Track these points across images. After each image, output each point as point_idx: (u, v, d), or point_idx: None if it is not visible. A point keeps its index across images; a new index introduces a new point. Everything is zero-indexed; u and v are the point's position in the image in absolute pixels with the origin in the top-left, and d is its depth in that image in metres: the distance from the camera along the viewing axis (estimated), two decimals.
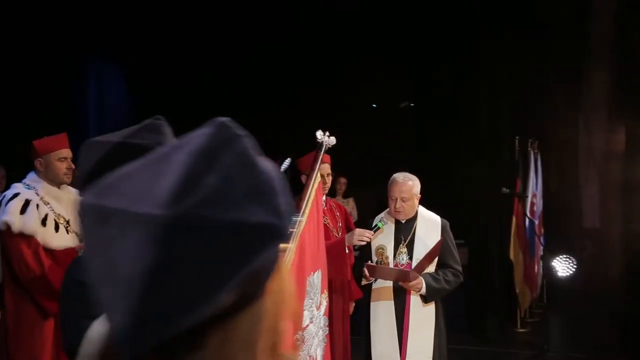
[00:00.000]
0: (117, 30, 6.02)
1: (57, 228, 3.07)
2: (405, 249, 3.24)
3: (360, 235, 3.13)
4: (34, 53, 5.46)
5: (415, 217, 3.27)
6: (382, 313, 3.22)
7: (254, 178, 0.63)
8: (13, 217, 2.92)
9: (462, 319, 5.78)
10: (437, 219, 3.30)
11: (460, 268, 3.24)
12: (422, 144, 7.35)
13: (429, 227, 3.23)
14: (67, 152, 3.18)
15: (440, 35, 5.98)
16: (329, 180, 3.48)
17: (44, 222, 3.02)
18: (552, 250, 6.11)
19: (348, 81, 7.36)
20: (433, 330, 3.20)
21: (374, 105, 8.71)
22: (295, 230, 2.24)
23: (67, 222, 3.15)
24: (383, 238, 3.27)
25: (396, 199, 3.18)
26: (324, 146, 2.77)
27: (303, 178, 3.50)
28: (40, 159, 3.12)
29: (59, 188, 3.18)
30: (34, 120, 5.46)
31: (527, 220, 5.84)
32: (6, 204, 2.96)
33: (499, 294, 5.76)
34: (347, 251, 3.18)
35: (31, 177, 3.14)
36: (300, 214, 2.33)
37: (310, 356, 2.46)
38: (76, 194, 3.33)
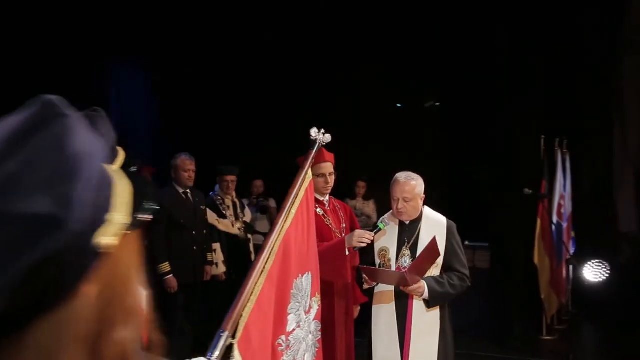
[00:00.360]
0: (139, 34, 6.06)
1: None
2: (409, 252, 3.11)
3: (360, 237, 3.00)
4: (55, 55, 5.53)
5: (419, 218, 3.14)
6: (383, 317, 3.09)
7: (59, 163, 0.54)
8: None
9: (485, 325, 5.57)
10: (442, 220, 3.15)
11: (467, 272, 3.09)
12: (444, 145, 7.14)
13: (434, 229, 3.07)
14: None
15: (460, 30, 5.79)
16: (331, 179, 3.36)
17: None
18: (584, 255, 5.83)
19: (372, 82, 7.23)
20: (437, 336, 3.04)
21: (399, 105, 8.54)
22: (276, 230, 2.14)
23: None
24: (386, 240, 3.14)
25: (398, 199, 3.05)
26: (318, 144, 2.66)
27: None
28: None
29: None
30: None
31: (553, 223, 5.58)
32: None
33: (523, 300, 5.52)
34: (347, 253, 3.06)
35: None
36: (285, 213, 2.23)
37: None
38: None
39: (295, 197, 2.37)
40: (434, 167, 7.18)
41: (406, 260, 3.08)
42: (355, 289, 3.45)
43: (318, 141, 2.67)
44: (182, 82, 6.51)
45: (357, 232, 3.07)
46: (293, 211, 2.34)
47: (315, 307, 2.58)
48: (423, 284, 2.93)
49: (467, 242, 5.99)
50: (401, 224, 3.15)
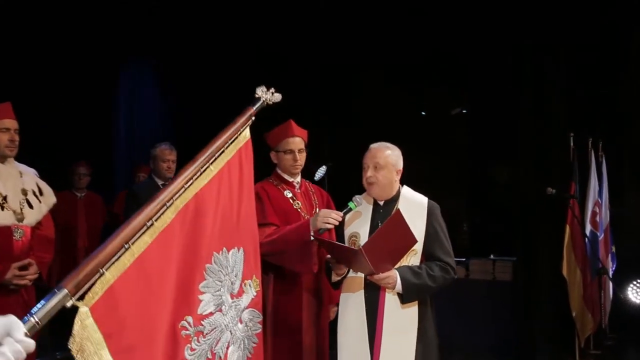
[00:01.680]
0: (151, 34, 5.94)
1: None
2: None
3: (325, 217, 2.57)
4: (66, 56, 5.45)
5: (396, 199, 2.69)
6: (351, 310, 2.63)
7: None
8: None
9: (506, 347, 4.95)
10: (423, 200, 2.69)
11: (451, 261, 2.61)
12: (468, 153, 6.62)
13: (413, 210, 2.59)
14: (10, 123, 2.92)
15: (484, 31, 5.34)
16: (301, 157, 2.96)
17: None
18: (627, 274, 5.15)
19: (396, 89, 6.84)
20: (415, 337, 2.54)
21: (423, 113, 8.09)
22: (177, 183, 1.75)
23: (4, 198, 2.86)
24: (357, 223, 2.69)
25: (368, 166, 2.62)
26: (261, 102, 2.28)
27: (272, 155, 3.02)
28: None
29: (1, 162, 2.92)
30: (65, 124, 5.42)
31: (586, 232, 4.93)
32: None
33: (550, 317, 4.87)
34: (312, 237, 2.63)
35: None
36: (196, 166, 1.84)
37: (213, 353, 1.93)
38: (23, 169, 3.07)
39: (218, 154, 1.98)
40: (458, 175, 6.68)
41: None
42: (329, 285, 3.00)
43: (262, 99, 2.29)
44: (192, 83, 6.31)
45: (323, 211, 2.64)
46: (212, 169, 1.95)
47: (251, 293, 2.16)
48: (394, 273, 2.45)
49: (492, 256, 5.44)
50: (375, 204, 2.70)
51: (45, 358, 4.00)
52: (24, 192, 2.98)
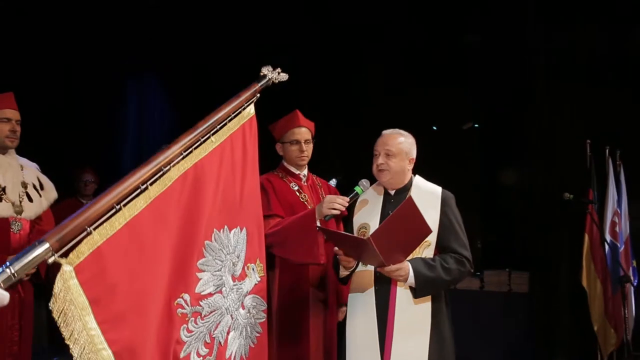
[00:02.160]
0: (160, 45, 5.94)
1: None
2: None
3: (331, 203, 2.45)
4: (77, 65, 5.45)
5: (408, 188, 2.51)
6: (360, 308, 2.41)
7: None
8: None
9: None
10: (436, 189, 2.51)
11: (467, 253, 2.41)
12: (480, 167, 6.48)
13: (426, 200, 2.40)
14: (11, 113, 2.85)
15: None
16: (307, 148, 2.85)
17: None
18: None
19: (408, 104, 6.75)
20: (428, 336, 2.34)
21: (435, 128, 7.98)
22: (175, 149, 1.65)
23: (3, 189, 2.78)
24: (367, 213, 2.53)
25: (379, 153, 2.45)
26: (267, 79, 2.19)
27: (278, 147, 2.92)
28: None
29: (2, 153, 2.84)
30: (74, 132, 5.39)
31: (606, 241, 4.74)
32: None
33: (570, 331, 4.66)
34: (317, 225, 2.50)
35: None
36: (195, 134, 1.75)
37: (212, 338, 1.80)
38: (25, 162, 2.99)
39: (220, 125, 1.89)
40: (471, 190, 6.53)
41: None
42: (338, 284, 2.85)
43: (268, 77, 2.21)
44: (199, 94, 6.27)
45: (328, 197, 2.52)
46: (214, 140, 1.86)
47: (255, 278, 2.04)
48: (406, 265, 2.26)
49: (507, 270, 5.26)
50: (386, 194, 2.53)
51: None
52: (24, 185, 2.89)
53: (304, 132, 2.83)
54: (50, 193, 3.02)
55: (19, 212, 2.80)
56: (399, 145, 2.44)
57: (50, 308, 1.25)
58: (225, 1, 5.55)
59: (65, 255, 1.27)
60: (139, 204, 1.50)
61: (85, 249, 1.32)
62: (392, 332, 2.34)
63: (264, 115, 2.27)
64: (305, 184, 2.89)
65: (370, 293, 2.40)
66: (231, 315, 1.88)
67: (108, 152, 5.98)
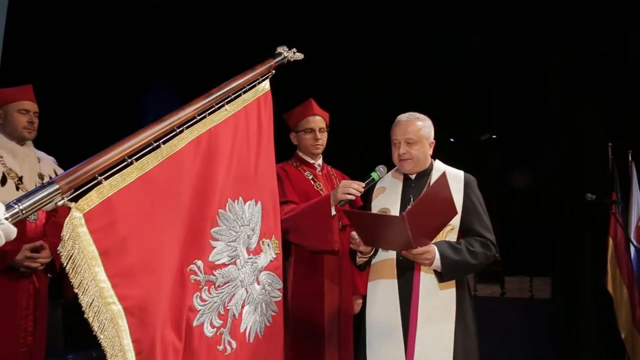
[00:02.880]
0: (176, 55, 6.01)
1: (3, 182, 2.71)
2: None
3: (347, 188, 2.39)
4: (95, 76, 5.52)
5: (429, 172, 2.43)
6: (381, 297, 2.31)
7: None
8: None
9: None
10: (458, 173, 2.43)
11: (491, 237, 2.33)
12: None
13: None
14: (30, 105, 2.87)
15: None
16: (322, 137, 2.82)
17: None
18: None
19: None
20: (453, 324, 2.24)
21: (452, 140, 7.92)
22: (189, 111, 1.63)
23: (20, 178, 2.78)
24: (386, 198, 2.44)
25: (399, 142, 2.36)
26: (282, 57, 2.18)
27: (292, 136, 2.89)
28: None
29: (20, 144, 2.85)
30: (90, 142, 5.43)
31: (633, 244, 4.60)
32: None
33: (596, 338, 4.50)
34: (333, 213, 2.45)
35: None
36: (210, 99, 1.72)
37: (226, 309, 1.75)
38: (42, 155, 3.00)
39: (234, 95, 1.87)
40: (491, 201, 6.42)
41: None
42: (355, 275, 2.79)
43: (283, 55, 2.19)
44: None
45: (343, 182, 2.46)
46: (228, 109, 1.83)
47: (270, 254, 2.00)
48: (432, 248, 2.16)
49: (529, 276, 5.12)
50: (406, 178, 2.44)
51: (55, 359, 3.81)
52: (41, 176, 2.89)
53: (318, 121, 2.81)
54: None
55: None
56: (420, 132, 2.37)
57: (59, 252, 1.22)
58: (241, 13, 5.60)
59: (73, 200, 1.24)
60: (151, 159, 1.47)
61: (95, 197, 1.29)
62: (415, 320, 2.25)
63: (278, 105, 2.25)
64: (320, 173, 2.85)
65: (393, 281, 2.31)
66: (246, 289, 1.83)
67: None
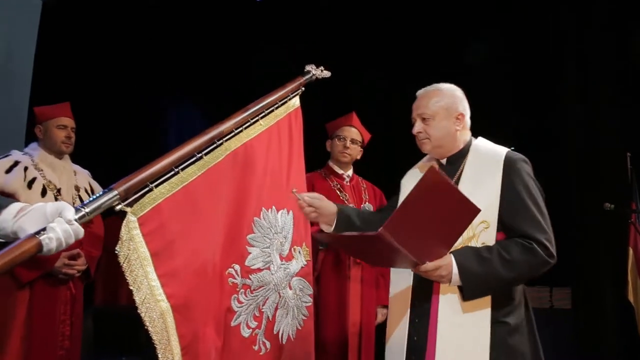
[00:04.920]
0: (199, 71, 6.17)
1: (44, 193, 2.85)
2: None
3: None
4: (123, 92, 5.69)
5: (464, 154, 1.94)
6: (396, 333, 1.92)
7: None
8: None
9: None
10: (499, 152, 1.88)
11: (542, 236, 1.76)
12: None
13: (485, 168, 1.85)
14: (67, 121, 3.03)
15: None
16: (353, 148, 2.93)
17: (30, 184, 2.82)
18: None
19: None
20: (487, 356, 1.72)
21: None
22: (226, 125, 1.75)
23: (58, 190, 2.92)
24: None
25: (415, 121, 1.97)
26: (310, 75, 2.30)
27: (328, 143, 3.02)
28: (40, 125, 3.00)
29: (58, 158, 3.00)
30: (114, 160, 5.60)
31: None
32: None
33: (618, 349, 4.50)
34: (321, 247, 2.55)
35: (31, 146, 3.02)
36: (247, 114, 1.84)
37: (261, 312, 1.85)
38: (78, 169, 3.14)
39: (268, 110, 1.98)
40: None
41: None
42: (379, 285, 2.88)
43: (311, 74, 2.31)
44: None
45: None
46: (262, 123, 1.95)
47: (301, 260, 2.10)
48: (449, 260, 1.70)
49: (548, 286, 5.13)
50: (440, 164, 2.01)
51: None
52: (77, 189, 3.03)
53: (353, 132, 2.93)
54: None
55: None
56: (435, 104, 1.94)
57: (117, 252, 1.33)
58: (261, 29, 5.74)
59: (129, 206, 1.36)
60: (194, 169, 1.59)
61: (147, 203, 1.41)
62: (433, 353, 1.78)
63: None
64: (348, 184, 2.96)
65: (406, 308, 1.88)
66: (279, 293, 1.93)
67: None
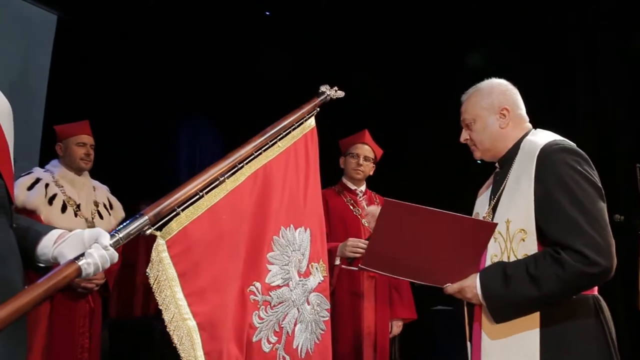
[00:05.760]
0: (210, 87, 6.26)
1: (64, 209, 2.93)
2: (491, 214, 1.76)
3: (354, 247, 2.55)
4: (138, 108, 5.77)
5: (514, 153, 1.76)
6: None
7: None
8: (18, 191, 2.82)
9: None
10: (535, 146, 1.68)
11: (582, 241, 1.52)
12: None
13: (523, 165, 1.68)
14: (87, 139, 3.11)
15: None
16: (365, 165, 3.00)
17: (50, 201, 2.90)
18: None
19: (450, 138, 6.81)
20: None
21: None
22: (246, 149, 1.81)
23: (78, 206, 3.00)
24: (482, 200, 1.90)
25: (462, 128, 1.89)
26: (325, 95, 2.36)
27: (341, 160, 3.09)
28: (60, 143, 3.09)
29: (78, 174, 3.08)
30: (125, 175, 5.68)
31: None
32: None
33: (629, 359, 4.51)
34: (338, 263, 2.60)
35: (52, 163, 3.11)
36: (265, 137, 1.91)
37: (281, 327, 1.90)
38: (97, 184, 3.22)
39: (285, 132, 2.05)
40: None
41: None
42: (393, 298, 2.94)
43: (326, 93, 2.37)
44: (249, 133, 6.50)
45: (351, 240, 2.61)
46: (280, 145, 2.02)
47: (319, 276, 2.15)
48: (472, 281, 1.63)
49: None
50: (495, 168, 1.89)
51: None
52: (96, 204, 3.11)
53: (365, 149, 3.00)
54: (119, 212, 3.24)
55: (91, 228, 3.01)
56: (474, 106, 1.83)
57: (147, 274, 1.39)
58: (269, 45, 5.82)
59: (158, 229, 1.42)
60: (218, 192, 1.65)
61: (174, 227, 1.47)
62: None
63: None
64: (361, 199, 3.02)
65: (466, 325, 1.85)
66: (297, 309, 1.99)
67: (164, 186, 6.28)
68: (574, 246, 1.52)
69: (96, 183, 3.22)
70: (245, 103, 6.44)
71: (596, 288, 1.70)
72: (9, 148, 1.16)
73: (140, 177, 5.64)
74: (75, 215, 2.96)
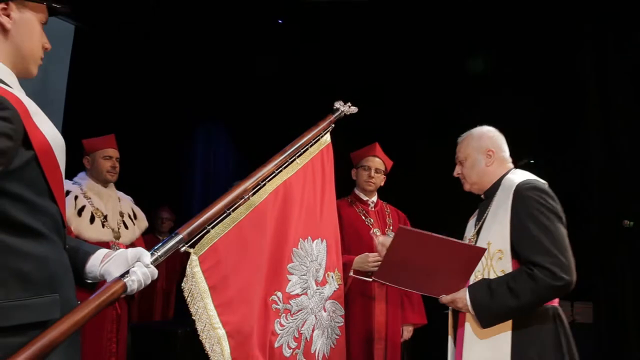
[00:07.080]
0: (225, 93, 6.39)
1: (92, 220, 3.08)
2: (476, 236, 2.14)
3: (376, 262, 2.68)
4: (154, 116, 5.91)
5: (496, 187, 2.12)
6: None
7: None
8: None
9: None
10: (516, 181, 2.03)
11: (549, 260, 1.86)
12: None
13: (502, 198, 2.03)
14: (112, 152, 3.26)
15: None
16: (376, 177, 3.11)
17: (79, 212, 3.06)
18: None
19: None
20: None
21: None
22: (267, 169, 1.95)
23: (105, 217, 3.15)
24: (471, 225, 2.26)
25: (456, 165, 2.28)
26: (339, 112, 2.49)
27: (353, 172, 3.21)
28: (87, 156, 3.24)
29: (104, 186, 3.24)
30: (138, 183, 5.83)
31: None
32: None
33: None
34: (351, 274, 2.71)
35: (80, 175, 3.26)
36: (284, 156, 2.04)
37: (300, 333, 2.04)
38: (121, 195, 3.37)
39: (303, 150, 2.18)
40: None
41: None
42: (404, 303, 3.06)
43: (340, 109, 2.50)
44: (262, 139, 6.64)
45: (372, 256, 2.74)
46: (299, 162, 2.15)
47: (334, 285, 2.29)
48: (463, 294, 1.98)
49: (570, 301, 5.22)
50: (480, 201, 2.24)
51: None
52: (121, 215, 3.27)
53: (377, 162, 3.11)
54: (142, 222, 3.39)
55: (117, 238, 3.16)
56: (466, 147, 2.21)
57: (182, 287, 1.53)
58: (285, 54, 5.93)
59: (191, 247, 1.56)
60: (243, 210, 1.79)
61: (205, 243, 1.61)
62: None
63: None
64: (373, 209, 3.14)
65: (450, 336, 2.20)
66: (315, 316, 2.12)
67: (181, 192, 6.45)
68: (543, 264, 1.88)
69: (121, 194, 3.37)
70: (258, 110, 6.55)
71: (557, 300, 2.04)
72: (62, 179, 1.30)
73: (157, 183, 5.79)
74: (103, 226, 3.11)
